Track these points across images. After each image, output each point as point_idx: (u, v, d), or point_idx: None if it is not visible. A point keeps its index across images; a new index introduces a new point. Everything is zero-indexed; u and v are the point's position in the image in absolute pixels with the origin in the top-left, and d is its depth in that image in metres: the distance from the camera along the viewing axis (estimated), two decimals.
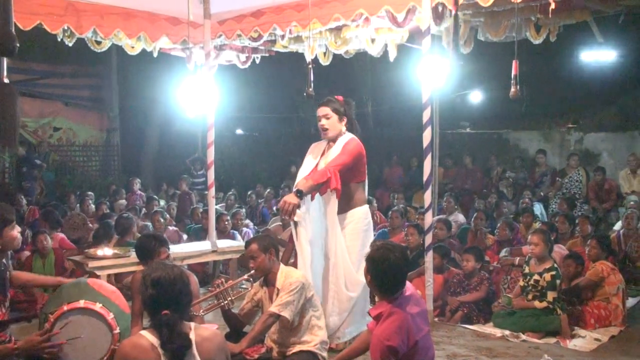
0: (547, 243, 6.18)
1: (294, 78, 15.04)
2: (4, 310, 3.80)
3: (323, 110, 5.55)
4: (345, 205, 5.49)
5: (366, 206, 5.66)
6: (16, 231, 3.86)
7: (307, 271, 5.24)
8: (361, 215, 5.57)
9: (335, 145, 5.54)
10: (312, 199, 5.48)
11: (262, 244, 4.77)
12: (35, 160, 13.21)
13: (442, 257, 6.84)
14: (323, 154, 5.65)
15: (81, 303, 3.69)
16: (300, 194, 5.10)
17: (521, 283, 6.31)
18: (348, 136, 5.55)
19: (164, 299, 3.00)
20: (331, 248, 5.45)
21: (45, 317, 3.67)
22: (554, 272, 6.06)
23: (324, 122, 5.55)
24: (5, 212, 3.84)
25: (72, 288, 3.88)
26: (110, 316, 3.73)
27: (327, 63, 8.79)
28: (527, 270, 6.26)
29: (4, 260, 3.86)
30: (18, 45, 3.84)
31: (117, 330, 3.74)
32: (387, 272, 3.62)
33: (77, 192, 12.20)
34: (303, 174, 5.53)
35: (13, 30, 3.84)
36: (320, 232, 5.53)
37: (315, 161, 5.64)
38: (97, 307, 3.72)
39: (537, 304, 6.06)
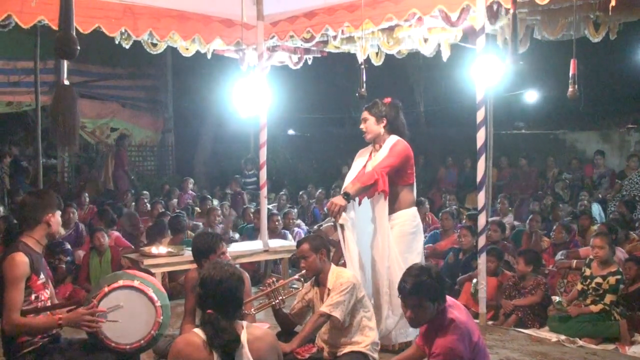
0: (611, 245, 6.02)
1: (346, 79, 15.05)
2: (47, 293, 3.91)
3: (363, 114, 5.64)
4: (391, 207, 5.44)
5: (414, 208, 5.58)
6: (59, 216, 4.02)
7: (356, 273, 5.24)
8: (408, 218, 5.49)
9: (381, 149, 5.52)
10: (360, 203, 5.52)
11: (313, 244, 4.78)
12: (22, 163, 13.43)
13: (497, 260, 6.72)
14: (370, 158, 5.64)
15: (120, 282, 3.81)
16: (347, 197, 5.18)
17: (579, 287, 6.14)
18: (394, 138, 5.52)
19: (209, 298, 3.08)
20: (382, 251, 5.39)
21: (88, 302, 3.79)
22: (619, 277, 5.91)
23: (362, 125, 5.62)
24: (57, 197, 4.03)
25: (109, 276, 4.03)
26: (150, 291, 3.83)
27: (380, 63, 8.75)
28: (587, 273, 6.09)
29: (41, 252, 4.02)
30: (79, 48, 3.96)
31: (159, 304, 3.82)
32: (426, 294, 3.55)
33: (132, 191, 12.45)
34: (351, 178, 5.54)
35: (74, 33, 3.97)
36: (367, 236, 5.54)
37: (362, 165, 5.64)
38: (136, 283, 3.83)
39: (592, 307, 5.91)
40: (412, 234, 5.49)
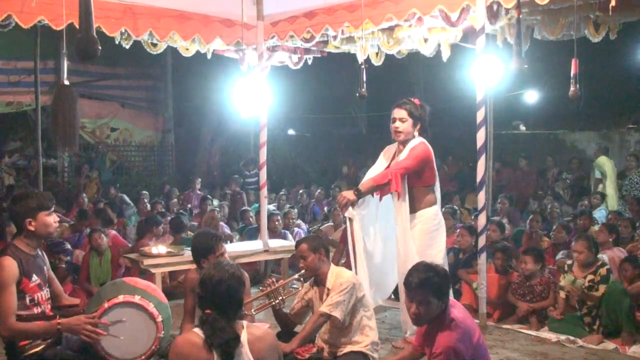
0: (591, 249, 6.01)
1: (346, 79, 15.04)
2: (44, 295, 3.90)
3: (399, 113, 5.52)
4: (413, 206, 5.49)
5: (435, 207, 5.59)
6: (52, 219, 3.89)
7: (360, 267, 5.27)
8: (430, 216, 5.52)
9: (405, 149, 5.52)
10: (380, 199, 5.58)
11: (312, 244, 4.77)
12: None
13: (506, 259, 6.71)
14: (394, 157, 5.64)
15: (120, 298, 3.75)
16: (358, 193, 5.23)
17: (562, 295, 6.11)
18: (417, 140, 5.50)
19: (209, 299, 3.09)
20: (401, 249, 5.46)
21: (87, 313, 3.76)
22: (607, 266, 5.96)
23: (398, 124, 5.51)
24: (43, 198, 3.91)
25: (109, 287, 3.99)
26: (150, 306, 3.79)
27: (380, 63, 8.76)
28: (571, 278, 5.99)
29: (39, 251, 3.96)
30: (100, 48, 3.93)
31: (160, 319, 3.79)
32: (432, 290, 3.58)
33: (130, 191, 12.44)
34: (371, 175, 5.57)
35: (94, 34, 3.94)
36: (385, 231, 5.63)
37: (386, 164, 5.66)
38: (136, 299, 3.78)
39: (596, 294, 5.88)
40: (434, 231, 5.53)
